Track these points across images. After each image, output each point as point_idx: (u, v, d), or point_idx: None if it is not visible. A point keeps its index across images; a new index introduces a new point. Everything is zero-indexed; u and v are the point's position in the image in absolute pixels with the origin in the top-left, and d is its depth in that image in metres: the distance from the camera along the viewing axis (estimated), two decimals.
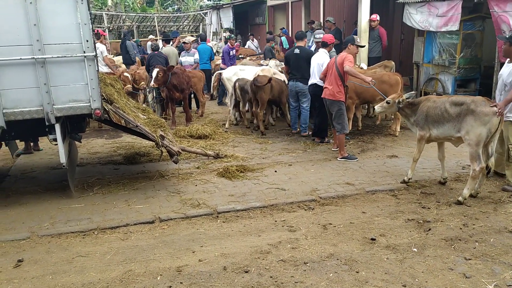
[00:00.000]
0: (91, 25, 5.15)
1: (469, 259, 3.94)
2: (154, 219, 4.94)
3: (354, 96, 7.99)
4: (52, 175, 6.61)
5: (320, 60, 7.63)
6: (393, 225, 4.68)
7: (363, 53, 10.95)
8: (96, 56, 5.26)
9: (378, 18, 10.91)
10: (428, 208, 5.10)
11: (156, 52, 10.56)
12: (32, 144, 7.77)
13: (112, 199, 5.56)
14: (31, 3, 4.83)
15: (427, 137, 5.55)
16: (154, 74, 8.89)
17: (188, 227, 4.78)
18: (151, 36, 15.55)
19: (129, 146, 8.03)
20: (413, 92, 6.21)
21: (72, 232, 4.67)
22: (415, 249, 4.15)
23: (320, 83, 7.46)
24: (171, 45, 12.51)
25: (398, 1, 10.87)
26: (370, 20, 10.91)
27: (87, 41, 5.10)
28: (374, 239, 4.34)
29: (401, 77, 8.42)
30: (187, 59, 11.39)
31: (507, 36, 5.68)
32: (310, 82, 7.90)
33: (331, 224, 4.75)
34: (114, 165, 7.02)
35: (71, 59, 5.12)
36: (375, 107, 6.22)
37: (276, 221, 4.88)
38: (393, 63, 10.13)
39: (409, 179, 5.81)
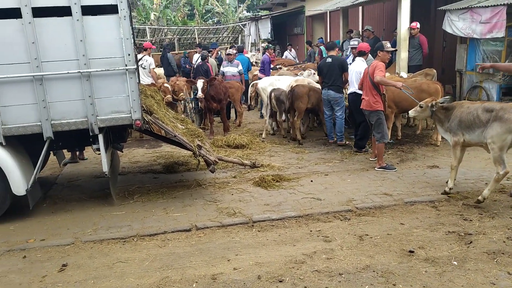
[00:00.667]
0: (132, 40, 5.37)
1: None
2: (191, 227, 5.04)
3: (392, 105, 7.87)
4: (96, 183, 6.89)
5: (358, 68, 7.62)
6: (433, 237, 4.55)
7: (403, 61, 10.74)
8: (138, 68, 5.47)
9: (418, 25, 10.69)
10: (470, 220, 4.92)
11: (201, 62, 10.84)
12: (78, 153, 8.13)
13: (151, 207, 5.72)
14: (78, 20, 5.10)
15: (461, 142, 5.46)
16: (200, 85, 9.10)
17: (224, 235, 4.85)
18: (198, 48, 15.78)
19: (168, 156, 8.25)
20: (447, 96, 6.06)
21: (113, 239, 4.85)
22: (455, 262, 4.01)
23: (359, 91, 7.42)
24: (210, 56, 12.77)
25: (439, 8, 10.62)
26: (410, 28, 10.71)
27: (129, 54, 5.32)
28: (412, 251, 4.24)
29: (441, 85, 8.20)
30: (230, 70, 11.55)
31: None
32: (349, 91, 7.93)
33: (367, 235, 4.68)
34: (153, 174, 7.23)
35: (114, 72, 5.34)
36: (409, 112, 6.13)
37: (311, 231, 4.85)
38: (434, 71, 9.87)
39: (450, 189, 5.63)
